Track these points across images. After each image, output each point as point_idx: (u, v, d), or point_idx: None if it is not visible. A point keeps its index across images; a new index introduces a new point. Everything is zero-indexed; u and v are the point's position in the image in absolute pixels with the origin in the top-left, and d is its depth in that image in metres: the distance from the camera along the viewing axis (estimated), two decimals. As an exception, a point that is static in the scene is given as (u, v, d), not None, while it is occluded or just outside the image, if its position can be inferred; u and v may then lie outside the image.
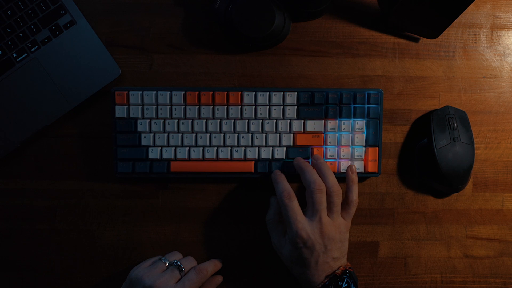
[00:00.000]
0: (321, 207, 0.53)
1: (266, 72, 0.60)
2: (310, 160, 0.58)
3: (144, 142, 0.58)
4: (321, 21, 0.61)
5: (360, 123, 0.58)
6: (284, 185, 0.54)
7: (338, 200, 0.54)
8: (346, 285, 0.53)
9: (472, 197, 0.61)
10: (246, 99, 0.58)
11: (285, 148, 0.58)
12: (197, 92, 0.58)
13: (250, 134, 0.58)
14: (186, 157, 0.58)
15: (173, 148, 0.58)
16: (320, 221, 0.53)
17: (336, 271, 0.53)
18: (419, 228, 0.61)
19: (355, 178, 0.57)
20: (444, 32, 0.59)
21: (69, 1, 0.58)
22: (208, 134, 0.58)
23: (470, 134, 0.59)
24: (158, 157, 0.58)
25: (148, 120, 0.58)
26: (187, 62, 0.60)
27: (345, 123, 0.58)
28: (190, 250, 0.60)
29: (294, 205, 0.53)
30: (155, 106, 0.58)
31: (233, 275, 0.60)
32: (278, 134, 0.58)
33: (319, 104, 0.58)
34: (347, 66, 0.61)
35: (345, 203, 0.56)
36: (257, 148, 0.58)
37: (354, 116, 0.58)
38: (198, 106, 0.58)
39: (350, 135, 0.58)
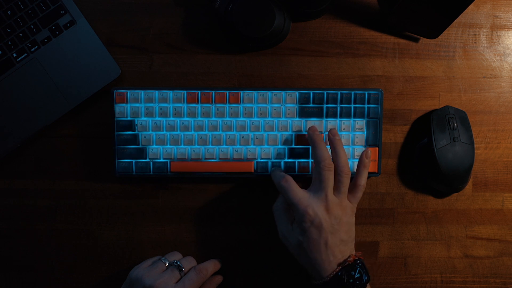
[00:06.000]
0: (328, 185, 0.52)
1: (266, 72, 0.60)
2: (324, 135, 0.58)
3: (144, 142, 0.58)
4: (321, 21, 0.61)
5: (360, 123, 0.58)
6: (281, 172, 0.55)
7: (346, 180, 0.54)
8: (358, 275, 0.51)
9: (472, 197, 0.61)
10: (246, 99, 0.58)
11: (285, 148, 0.58)
12: (197, 92, 0.58)
13: (250, 134, 0.58)
14: (186, 157, 0.58)
15: (173, 148, 0.58)
16: (326, 198, 0.52)
17: (348, 259, 0.52)
18: (419, 228, 0.61)
19: (367, 163, 0.56)
20: (444, 32, 0.59)
21: (69, 1, 0.58)
22: (208, 134, 0.58)
23: (470, 134, 0.59)
24: (158, 157, 0.58)
25: (148, 120, 0.58)
26: (187, 62, 0.60)
27: (345, 123, 0.58)
28: (190, 250, 0.60)
29: (294, 186, 0.53)
30: (155, 106, 0.58)
31: (233, 275, 0.60)
32: (278, 134, 0.58)
33: (319, 104, 0.58)
34: (347, 66, 0.61)
35: (353, 186, 0.55)
36: (257, 148, 0.58)
37: (354, 116, 0.58)
38: (198, 106, 0.58)
39: (350, 135, 0.58)
